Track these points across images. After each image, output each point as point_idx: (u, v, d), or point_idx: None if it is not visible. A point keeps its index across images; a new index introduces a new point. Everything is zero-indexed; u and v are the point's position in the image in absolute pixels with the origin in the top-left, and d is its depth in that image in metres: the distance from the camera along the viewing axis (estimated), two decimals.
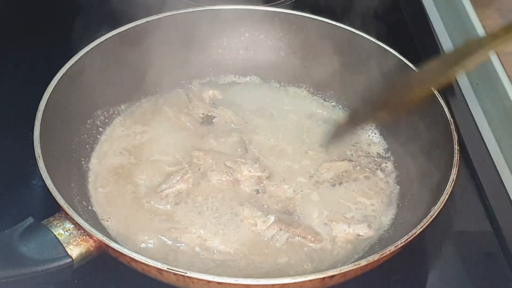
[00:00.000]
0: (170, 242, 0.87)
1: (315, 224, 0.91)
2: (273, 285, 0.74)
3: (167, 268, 0.73)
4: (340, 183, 0.97)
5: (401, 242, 0.77)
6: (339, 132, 0.99)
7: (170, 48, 1.09)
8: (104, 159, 0.98)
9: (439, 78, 0.85)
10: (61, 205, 0.79)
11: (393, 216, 0.94)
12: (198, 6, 1.12)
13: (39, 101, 0.90)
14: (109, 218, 0.90)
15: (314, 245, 0.88)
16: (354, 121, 0.98)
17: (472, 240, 0.97)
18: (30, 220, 0.78)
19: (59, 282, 0.81)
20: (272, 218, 0.89)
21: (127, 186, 0.94)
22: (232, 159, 0.97)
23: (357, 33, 1.08)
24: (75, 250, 0.77)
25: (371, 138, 1.05)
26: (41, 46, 1.00)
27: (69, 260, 0.76)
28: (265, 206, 0.92)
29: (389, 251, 0.76)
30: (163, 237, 0.88)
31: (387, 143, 1.04)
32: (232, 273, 0.84)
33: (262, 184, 0.95)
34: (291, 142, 1.03)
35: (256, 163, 0.97)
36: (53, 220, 0.79)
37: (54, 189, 0.80)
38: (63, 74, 0.95)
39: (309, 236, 0.88)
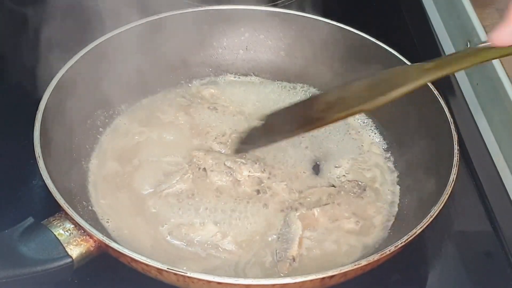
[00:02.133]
0: (170, 242, 0.87)
1: None
2: (273, 285, 0.74)
3: (167, 268, 0.73)
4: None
5: (401, 242, 0.77)
6: (253, 138, 0.91)
7: (170, 48, 1.09)
8: (104, 159, 0.97)
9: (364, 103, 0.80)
10: (61, 205, 0.79)
11: (394, 216, 0.94)
12: (198, 6, 1.12)
13: (39, 101, 0.90)
14: (109, 218, 0.90)
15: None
16: (269, 132, 0.90)
17: (472, 240, 0.97)
18: (30, 220, 0.78)
19: (59, 282, 0.81)
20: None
21: (127, 185, 0.94)
22: (232, 159, 0.97)
23: (357, 33, 1.08)
24: (75, 250, 0.77)
25: (371, 138, 1.05)
26: (41, 46, 1.00)
27: (69, 260, 0.76)
28: (265, 206, 0.92)
29: (389, 251, 0.76)
30: (163, 237, 0.88)
31: (387, 143, 1.04)
32: (233, 272, 0.84)
33: (262, 184, 0.95)
34: (291, 142, 1.03)
35: (256, 163, 0.97)
36: (53, 220, 0.79)
37: (54, 189, 0.80)
38: (63, 74, 0.95)
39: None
